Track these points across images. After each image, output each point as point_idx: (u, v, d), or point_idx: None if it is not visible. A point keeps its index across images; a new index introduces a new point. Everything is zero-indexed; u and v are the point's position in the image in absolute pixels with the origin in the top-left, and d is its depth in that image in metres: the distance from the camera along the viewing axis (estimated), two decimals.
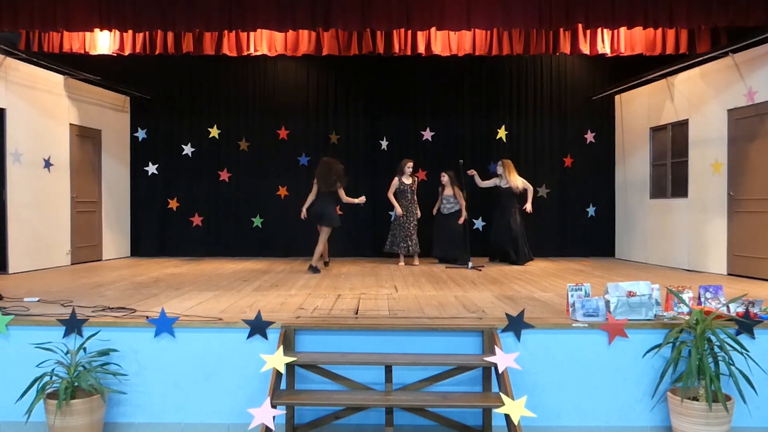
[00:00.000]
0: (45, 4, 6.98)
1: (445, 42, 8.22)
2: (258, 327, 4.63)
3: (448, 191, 9.84)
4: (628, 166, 10.75)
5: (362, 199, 8.95)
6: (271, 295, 6.27)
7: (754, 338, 4.61)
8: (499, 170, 9.79)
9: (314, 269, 8.35)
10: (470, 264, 8.99)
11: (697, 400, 4.27)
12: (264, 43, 8.27)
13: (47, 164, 8.98)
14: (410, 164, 9.74)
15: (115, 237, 10.73)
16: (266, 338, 4.62)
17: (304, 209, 8.69)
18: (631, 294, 4.77)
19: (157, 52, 8.33)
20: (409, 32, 8.09)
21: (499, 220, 9.85)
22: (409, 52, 8.25)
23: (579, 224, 11.08)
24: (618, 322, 4.63)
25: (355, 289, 6.74)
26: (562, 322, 4.76)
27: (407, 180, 9.69)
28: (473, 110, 11.17)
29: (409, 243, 9.61)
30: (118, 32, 7.98)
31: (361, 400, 4.39)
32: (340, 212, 9.16)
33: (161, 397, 4.66)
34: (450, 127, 11.15)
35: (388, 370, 4.51)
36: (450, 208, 9.85)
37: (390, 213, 11.08)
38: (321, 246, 8.53)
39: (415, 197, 9.77)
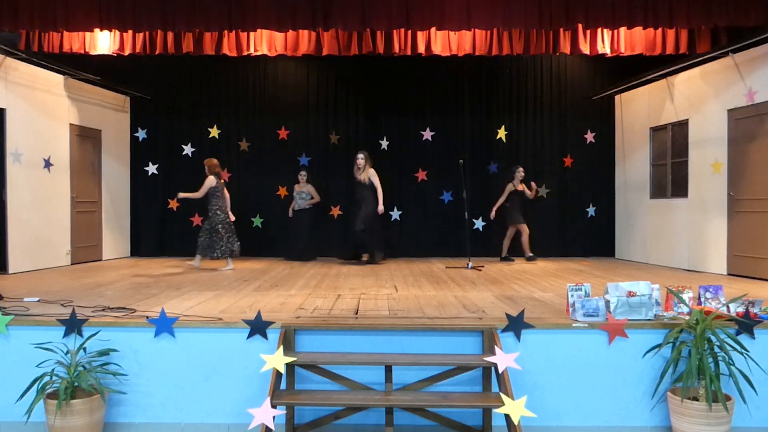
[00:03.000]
0: (45, 4, 6.98)
1: (445, 42, 8.22)
2: (258, 327, 4.63)
3: (303, 187, 10.30)
4: (628, 166, 10.75)
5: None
6: (271, 295, 6.27)
7: (754, 338, 4.61)
8: (361, 162, 9.69)
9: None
10: (470, 264, 9.00)
11: (697, 400, 4.27)
12: (264, 43, 8.27)
13: (47, 164, 8.98)
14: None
15: (115, 237, 10.73)
16: (266, 338, 4.62)
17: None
18: (631, 294, 4.77)
19: (157, 52, 8.33)
20: (409, 32, 8.09)
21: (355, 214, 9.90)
22: (409, 52, 8.25)
23: (579, 224, 11.09)
24: (618, 322, 4.63)
25: (355, 289, 6.74)
26: (562, 322, 4.76)
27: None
28: (473, 110, 11.18)
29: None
30: (118, 32, 7.98)
31: (361, 400, 4.39)
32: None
33: (161, 397, 4.66)
34: (450, 127, 11.15)
35: (388, 370, 4.50)
36: (301, 204, 10.30)
37: (390, 213, 11.11)
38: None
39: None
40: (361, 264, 9.54)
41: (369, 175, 9.61)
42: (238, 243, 8.88)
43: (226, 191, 8.96)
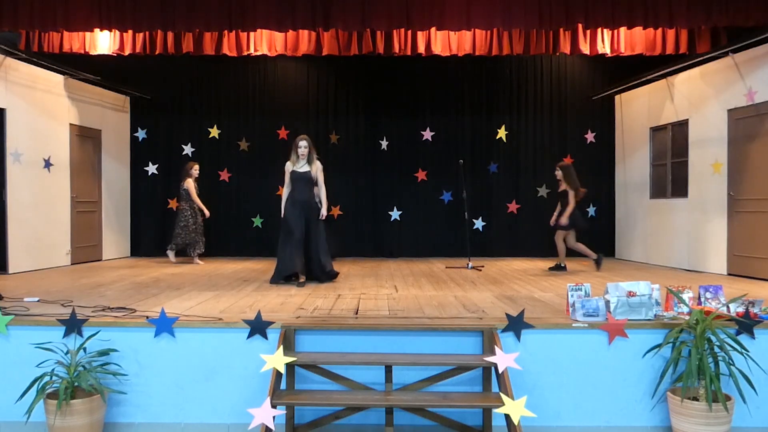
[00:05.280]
0: (45, 4, 6.98)
1: (445, 42, 8.22)
2: (258, 327, 4.63)
3: None
4: (628, 166, 10.75)
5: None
6: (271, 295, 6.27)
7: (754, 338, 4.61)
8: (305, 150, 7.29)
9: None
10: (470, 264, 8.99)
11: (697, 400, 4.27)
12: (264, 43, 8.26)
13: (47, 164, 8.98)
14: (196, 167, 9.78)
15: (115, 237, 10.73)
16: (266, 338, 4.62)
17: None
18: (631, 294, 4.76)
19: (157, 52, 8.32)
20: (409, 32, 8.08)
21: (296, 218, 7.26)
22: (409, 52, 8.24)
23: None
24: (618, 322, 4.63)
25: (355, 289, 6.74)
26: (562, 322, 4.76)
27: (194, 183, 9.74)
28: (473, 110, 11.18)
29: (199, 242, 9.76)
30: (118, 32, 7.98)
31: (361, 400, 4.39)
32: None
33: (161, 397, 4.66)
34: (450, 127, 11.15)
35: (388, 370, 4.51)
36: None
37: (390, 213, 11.11)
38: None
39: (197, 199, 9.74)
40: (300, 285, 6.99)
41: (317, 168, 7.39)
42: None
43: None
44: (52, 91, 9.23)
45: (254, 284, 7.11)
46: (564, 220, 8.53)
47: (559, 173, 8.79)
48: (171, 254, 9.79)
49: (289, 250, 7.13)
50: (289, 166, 7.37)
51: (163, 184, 11.10)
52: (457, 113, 11.16)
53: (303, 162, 7.32)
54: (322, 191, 7.50)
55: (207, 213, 9.77)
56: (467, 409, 4.55)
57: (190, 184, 9.60)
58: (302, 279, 7.11)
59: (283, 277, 7.18)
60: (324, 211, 7.46)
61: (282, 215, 7.33)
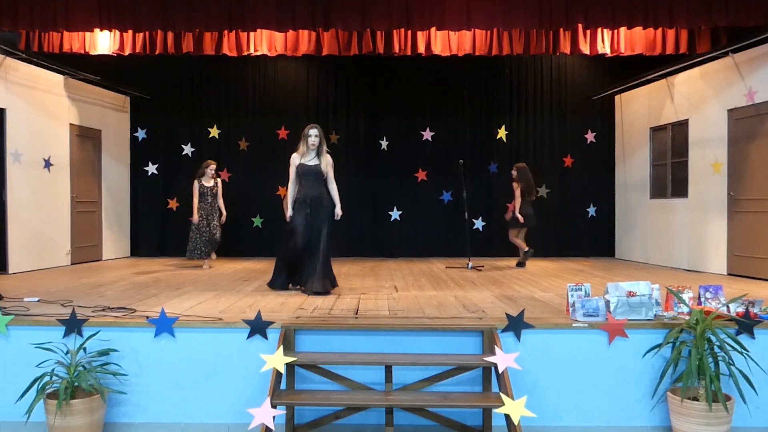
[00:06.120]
0: (45, 4, 6.98)
1: (445, 42, 8.22)
2: (258, 327, 4.63)
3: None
4: (628, 166, 10.75)
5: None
6: (271, 295, 6.27)
7: (754, 338, 4.61)
8: (315, 139, 6.45)
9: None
10: (470, 264, 8.99)
11: (697, 400, 4.27)
12: (264, 43, 8.27)
13: (47, 164, 8.98)
14: (213, 166, 9.08)
15: (115, 237, 10.73)
16: (266, 338, 4.62)
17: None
18: (631, 294, 4.76)
19: (157, 52, 8.32)
20: (409, 32, 8.09)
21: (302, 218, 6.47)
22: (409, 52, 8.25)
23: (579, 224, 11.08)
24: (618, 322, 4.63)
25: (355, 289, 6.74)
26: (562, 322, 4.76)
27: (208, 182, 9.00)
28: (473, 110, 11.18)
29: (210, 246, 9.00)
30: (118, 32, 7.98)
31: (361, 400, 4.39)
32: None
33: (161, 397, 4.66)
34: (450, 127, 11.15)
35: (388, 370, 4.50)
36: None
37: (390, 213, 11.12)
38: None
39: (219, 199, 9.09)
40: (300, 292, 6.41)
41: (327, 163, 6.52)
42: (205, 245, 8.98)
43: (219, 192, 9.16)
44: (52, 91, 9.23)
45: (254, 284, 7.11)
46: (509, 214, 9.38)
47: (514, 173, 9.45)
48: (205, 262, 9.04)
49: (289, 262, 6.53)
50: (296, 159, 6.50)
51: (163, 184, 11.10)
52: (457, 113, 11.17)
53: (312, 154, 6.45)
54: (333, 188, 6.55)
55: (195, 217, 8.94)
56: (467, 409, 4.55)
57: (194, 185, 9.02)
58: (301, 287, 6.48)
59: (278, 288, 6.60)
60: (339, 210, 6.55)
61: (288, 217, 6.54)
